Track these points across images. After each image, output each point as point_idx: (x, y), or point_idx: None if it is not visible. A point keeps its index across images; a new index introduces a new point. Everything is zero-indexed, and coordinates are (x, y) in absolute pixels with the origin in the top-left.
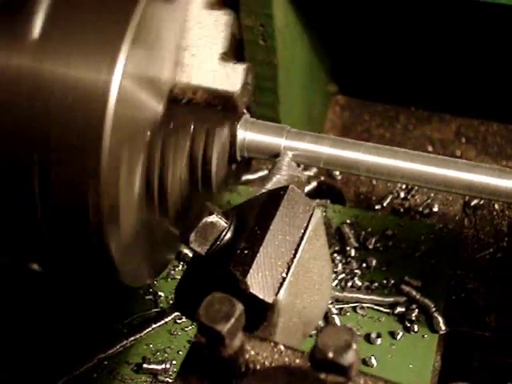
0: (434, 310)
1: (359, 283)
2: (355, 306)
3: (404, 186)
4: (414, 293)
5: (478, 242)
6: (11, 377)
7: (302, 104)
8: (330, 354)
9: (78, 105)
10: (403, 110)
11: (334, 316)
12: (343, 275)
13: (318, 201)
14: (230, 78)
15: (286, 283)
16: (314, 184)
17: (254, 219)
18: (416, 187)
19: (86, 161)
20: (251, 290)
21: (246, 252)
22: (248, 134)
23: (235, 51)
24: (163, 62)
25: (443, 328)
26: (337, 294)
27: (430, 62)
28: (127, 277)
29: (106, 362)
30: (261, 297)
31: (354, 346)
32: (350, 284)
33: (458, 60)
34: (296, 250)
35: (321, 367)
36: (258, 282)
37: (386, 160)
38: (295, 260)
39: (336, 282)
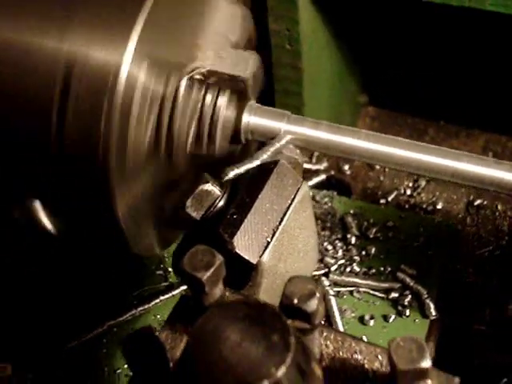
0: (426, 296)
1: (357, 269)
2: (352, 290)
3: (411, 184)
4: (408, 280)
5: (478, 239)
6: (21, 340)
7: (330, 111)
8: (295, 301)
9: (96, 69)
10: (432, 124)
11: (331, 297)
12: (343, 261)
13: (325, 191)
14: (242, 65)
15: (270, 247)
16: (323, 176)
17: (245, 189)
18: (422, 185)
19: (100, 112)
20: (237, 251)
21: (234, 217)
22: (252, 118)
23: (249, 43)
24: (181, 45)
25: (433, 314)
26: (335, 277)
27: (460, 77)
28: (135, 245)
29: (115, 329)
30: (246, 257)
31: (318, 295)
32: (348, 269)
33: (489, 76)
34: (282, 218)
35: (288, 313)
36: (244, 243)
37: (378, 146)
38: (280, 227)
39: (335, 266)
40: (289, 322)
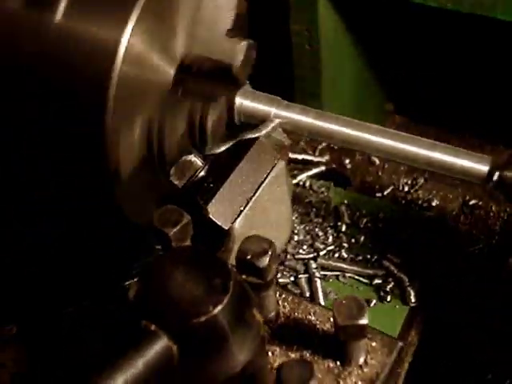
0: (407, 284)
1: (345, 255)
2: (338, 275)
3: (409, 182)
4: (392, 268)
5: (470, 237)
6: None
7: (352, 115)
8: (249, 257)
9: (94, 54)
10: (456, 136)
11: (317, 279)
12: (332, 247)
13: (322, 182)
14: (234, 53)
15: (242, 215)
16: (322, 168)
17: (224, 161)
18: (420, 183)
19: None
20: (211, 216)
21: (211, 185)
22: (245, 102)
23: (242, 29)
24: (176, 32)
25: (413, 301)
26: (323, 261)
27: (488, 93)
28: (130, 211)
29: None
30: (218, 223)
31: (270, 253)
32: (337, 255)
33: None
34: (256, 190)
35: (242, 268)
36: (218, 210)
37: (360, 134)
38: (254, 198)
39: (324, 251)
40: (243, 276)
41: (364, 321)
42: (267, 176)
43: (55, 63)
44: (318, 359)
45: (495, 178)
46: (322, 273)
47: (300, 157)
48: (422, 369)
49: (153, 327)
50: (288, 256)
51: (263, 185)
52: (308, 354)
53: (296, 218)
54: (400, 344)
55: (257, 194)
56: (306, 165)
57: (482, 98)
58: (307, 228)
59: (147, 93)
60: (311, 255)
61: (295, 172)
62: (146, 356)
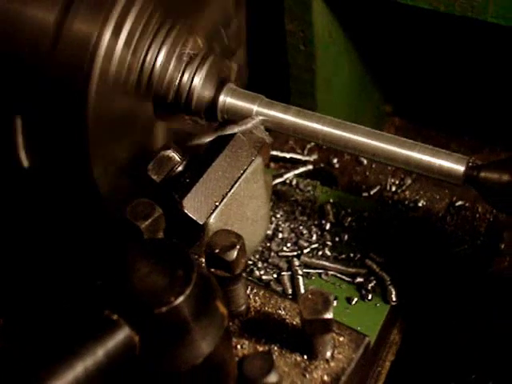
0: (389, 283)
1: (329, 253)
2: (321, 273)
3: (397, 182)
4: (375, 266)
5: (455, 238)
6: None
7: (348, 115)
8: (217, 250)
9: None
10: (456, 138)
11: (299, 277)
12: (316, 245)
13: (309, 180)
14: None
15: (217, 210)
16: (310, 167)
17: (201, 157)
18: (408, 184)
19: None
20: (185, 211)
21: (187, 181)
22: (228, 99)
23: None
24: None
25: (394, 299)
26: (306, 259)
27: (488, 95)
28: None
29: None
30: (193, 218)
31: (238, 247)
32: (320, 253)
33: None
34: (232, 186)
35: (210, 262)
36: (193, 205)
37: (339, 132)
38: (229, 193)
39: (308, 249)
40: (212, 270)
41: (329, 315)
42: (244, 172)
43: None
44: (286, 353)
45: (471, 178)
46: (305, 270)
47: (288, 155)
48: (406, 368)
49: (115, 317)
50: (272, 253)
51: (240, 180)
52: (276, 348)
53: (281, 215)
54: (367, 339)
55: (233, 190)
56: (294, 164)
57: (481, 100)
58: (292, 226)
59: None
60: (295, 253)
61: (282, 171)
62: (108, 345)
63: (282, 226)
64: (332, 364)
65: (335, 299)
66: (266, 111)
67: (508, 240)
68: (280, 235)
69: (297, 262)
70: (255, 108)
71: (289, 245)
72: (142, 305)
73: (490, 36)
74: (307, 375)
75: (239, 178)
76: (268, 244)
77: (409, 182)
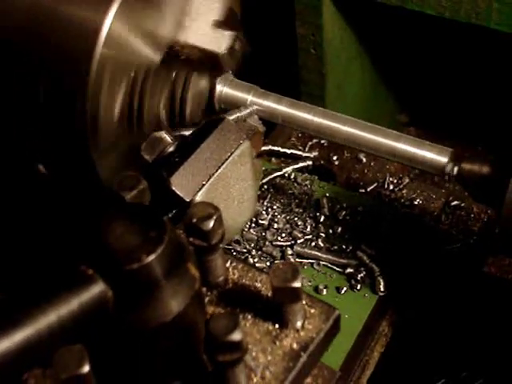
0: (378, 274)
1: (322, 244)
2: (313, 263)
3: (395, 181)
4: (365, 258)
5: (449, 236)
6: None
7: None
8: (194, 220)
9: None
10: (470, 149)
11: None
12: (310, 236)
13: (307, 175)
14: (219, 42)
15: (204, 188)
16: (309, 162)
17: (191, 138)
18: (405, 182)
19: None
20: (173, 188)
21: (176, 160)
22: (225, 89)
23: (231, 21)
24: (164, 20)
25: (382, 290)
26: (299, 249)
27: (503, 105)
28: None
29: None
30: (180, 195)
31: (215, 217)
32: (313, 244)
33: None
34: (219, 167)
35: (188, 231)
36: (181, 183)
37: (329, 122)
38: (216, 173)
39: (302, 240)
40: (190, 239)
41: (297, 284)
42: (231, 154)
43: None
44: (259, 322)
45: (452, 169)
46: (298, 260)
47: (289, 151)
48: (397, 363)
49: (90, 272)
50: (266, 243)
51: (227, 162)
52: (250, 317)
53: (277, 207)
54: (337, 312)
55: (220, 170)
56: (295, 159)
57: (496, 111)
58: (287, 217)
59: (129, 71)
60: (289, 243)
61: (282, 165)
62: (82, 297)
63: (278, 217)
64: (302, 333)
65: (325, 288)
66: (259, 101)
67: None
68: (275, 225)
69: (290, 252)
70: (250, 98)
71: (283, 235)
72: (115, 261)
73: (499, 43)
74: (277, 342)
75: (226, 159)
76: (263, 233)
77: (406, 181)
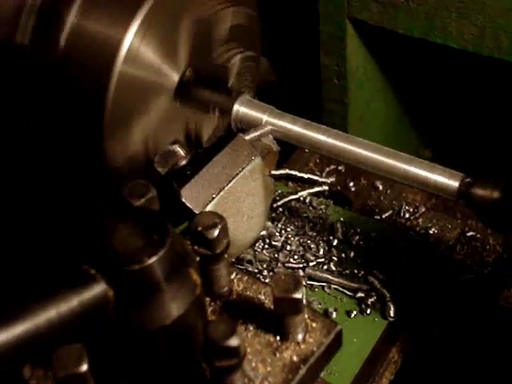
0: (388, 299)
1: (333, 268)
2: (324, 285)
3: (411, 209)
4: (376, 283)
5: (463, 266)
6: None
7: None
8: (199, 228)
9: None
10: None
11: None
12: (322, 259)
13: (322, 199)
14: (229, 65)
15: (214, 201)
16: (325, 187)
17: (204, 153)
18: (421, 211)
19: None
20: (183, 199)
21: (188, 172)
22: (242, 109)
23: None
24: (181, 42)
25: (392, 315)
26: (310, 271)
27: None
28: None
29: None
30: (190, 206)
31: (220, 226)
32: (325, 267)
33: None
34: (230, 181)
35: (194, 239)
36: (191, 195)
37: (342, 144)
38: (227, 187)
39: (314, 263)
40: (195, 247)
41: (298, 295)
42: (242, 169)
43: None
44: (261, 333)
45: (463, 193)
46: (309, 282)
47: (306, 176)
48: None
49: (92, 271)
50: (278, 264)
51: (238, 177)
52: (252, 328)
53: (291, 229)
54: (339, 327)
55: (230, 185)
56: (312, 184)
57: None
58: (301, 240)
59: (149, 93)
60: (301, 265)
61: (298, 189)
62: (83, 295)
63: (292, 239)
64: (302, 346)
65: (335, 311)
66: (275, 121)
67: None
68: (288, 247)
69: (301, 274)
70: (265, 117)
71: (296, 257)
72: (116, 261)
73: None
74: (277, 354)
75: (237, 174)
76: (276, 255)
77: (423, 210)
